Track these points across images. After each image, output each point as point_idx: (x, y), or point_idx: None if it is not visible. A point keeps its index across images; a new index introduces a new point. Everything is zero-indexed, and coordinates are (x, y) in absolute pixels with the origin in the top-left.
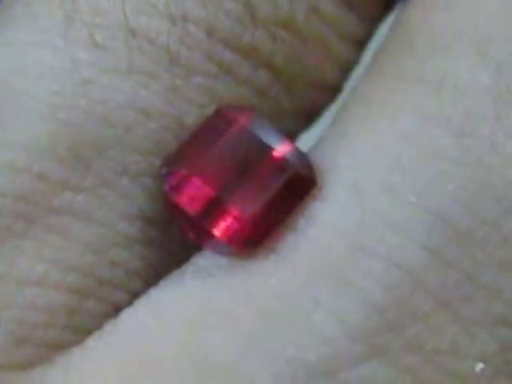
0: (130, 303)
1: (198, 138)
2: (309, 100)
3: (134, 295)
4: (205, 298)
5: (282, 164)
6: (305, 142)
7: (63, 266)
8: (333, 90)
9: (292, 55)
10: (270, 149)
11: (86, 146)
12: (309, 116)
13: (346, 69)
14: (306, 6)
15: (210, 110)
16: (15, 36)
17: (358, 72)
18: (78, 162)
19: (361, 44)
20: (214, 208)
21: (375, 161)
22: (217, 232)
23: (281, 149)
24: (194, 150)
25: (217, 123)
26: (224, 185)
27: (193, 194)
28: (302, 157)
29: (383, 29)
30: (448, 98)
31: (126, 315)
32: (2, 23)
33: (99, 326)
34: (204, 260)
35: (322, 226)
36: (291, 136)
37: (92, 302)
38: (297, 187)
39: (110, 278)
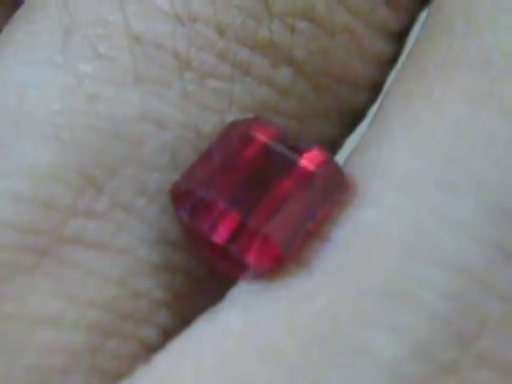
0: (158, 339)
1: (213, 154)
2: (342, 99)
3: (163, 329)
4: (243, 330)
5: (308, 172)
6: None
7: (81, 301)
8: (372, 89)
9: (315, 48)
10: (292, 163)
11: (95, 167)
12: (351, 118)
13: (384, 64)
14: None
15: (229, 115)
16: (13, 57)
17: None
18: (88, 185)
19: (398, 37)
20: (241, 232)
21: (425, 157)
22: (250, 257)
23: (305, 158)
24: (210, 169)
25: (232, 138)
26: (249, 205)
27: (216, 219)
28: (329, 161)
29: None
30: (497, 77)
31: (160, 361)
32: (2, 47)
33: (127, 367)
34: (239, 290)
35: (370, 234)
36: (333, 141)
37: (116, 339)
38: (324, 192)
39: (134, 311)
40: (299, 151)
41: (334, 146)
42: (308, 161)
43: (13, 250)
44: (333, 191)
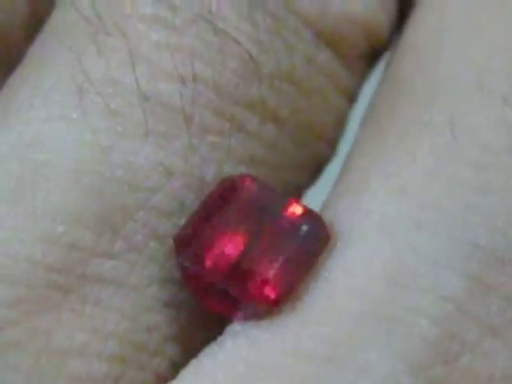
0: (169, 372)
1: (207, 208)
2: (315, 153)
3: (173, 362)
4: (252, 357)
5: (295, 226)
6: (313, 197)
7: (102, 334)
8: (333, 143)
9: (296, 108)
10: (281, 211)
11: (112, 211)
12: (317, 169)
13: (342, 121)
14: (304, 59)
15: (226, 167)
16: (29, 112)
17: (351, 126)
18: (106, 228)
19: (352, 96)
20: (238, 275)
21: (402, 202)
22: (241, 298)
23: (291, 210)
24: (206, 221)
25: (224, 192)
26: (242, 251)
27: (213, 265)
28: (312, 215)
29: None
30: (461, 135)
31: None
32: (13, 103)
33: None
34: (241, 326)
35: (356, 270)
36: (302, 189)
37: (134, 369)
38: (313, 246)
39: (148, 344)
40: (281, 201)
41: (301, 191)
42: (293, 211)
43: (41, 288)
44: (316, 239)
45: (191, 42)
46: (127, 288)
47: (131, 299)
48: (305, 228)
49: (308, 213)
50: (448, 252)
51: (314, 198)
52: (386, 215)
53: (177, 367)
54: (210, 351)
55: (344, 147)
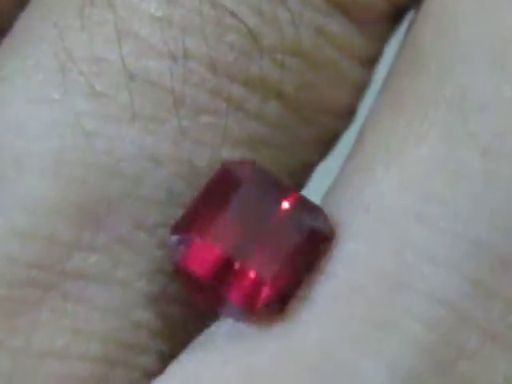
0: (158, 367)
1: (205, 198)
2: (326, 127)
3: (162, 358)
4: (242, 361)
5: (295, 220)
6: (323, 171)
7: (85, 334)
8: (349, 114)
9: (302, 82)
10: (279, 205)
11: (95, 202)
12: (327, 144)
13: (359, 90)
14: (312, 29)
15: (222, 150)
16: (10, 93)
17: (370, 92)
18: (89, 220)
19: (371, 63)
20: (228, 272)
21: (405, 193)
22: (233, 297)
23: (290, 203)
24: (202, 212)
25: (222, 182)
26: (237, 246)
27: (205, 259)
28: (314, 208)
29: (392, 46)
30: (472, 116)
31: None
32: None
33: None
34: (235, 322)
35: (355, 266)
36: (311, 166)
37: (119, 369)
38: (314, 242)
39: (136, 341)
40: (281, 194)
41: (311, 168)
42: (291, 207)
43: (20, 285)
44: (321, 238)
45: (184, 13)
46: (113, 283)
47: (117, 295)
48: (306, 225)
49: (309, 207)
50: (449, 251)
51: (326, 171)
52: (388, 208)
53: (167, 362)
54: (202, 344)
55: (363, 112)
